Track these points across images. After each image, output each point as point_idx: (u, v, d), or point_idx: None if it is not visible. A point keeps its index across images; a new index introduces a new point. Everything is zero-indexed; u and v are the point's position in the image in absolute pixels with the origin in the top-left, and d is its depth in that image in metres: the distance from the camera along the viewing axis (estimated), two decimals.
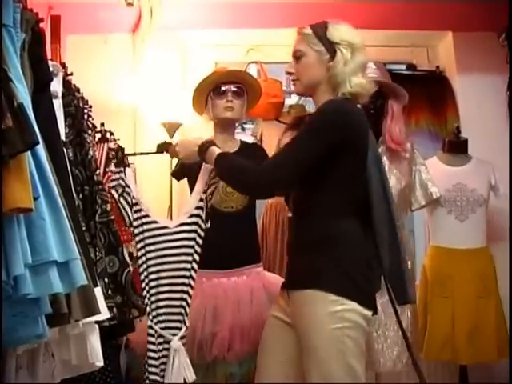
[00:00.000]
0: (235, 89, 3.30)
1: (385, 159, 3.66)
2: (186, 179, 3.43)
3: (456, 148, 4.15)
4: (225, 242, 3.20)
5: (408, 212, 3.88)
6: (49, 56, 2.48)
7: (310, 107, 6.09)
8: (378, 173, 2.51)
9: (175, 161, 3.58)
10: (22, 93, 1.81)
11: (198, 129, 3.87)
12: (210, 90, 3.31)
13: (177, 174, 3.48)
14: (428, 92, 4.71)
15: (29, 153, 1.75)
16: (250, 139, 4.56)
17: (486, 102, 4.49)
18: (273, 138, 4.27)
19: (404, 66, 4.91)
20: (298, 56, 2.50)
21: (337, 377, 2.29)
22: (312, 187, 2.41)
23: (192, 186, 3.36)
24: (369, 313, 2.40)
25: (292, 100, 5.90)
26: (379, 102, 3.67)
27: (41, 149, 1.85)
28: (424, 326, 3.88)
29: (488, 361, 3.86)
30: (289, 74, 2.56)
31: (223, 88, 3.28)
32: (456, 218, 3.97)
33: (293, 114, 4.43)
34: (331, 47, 2.43)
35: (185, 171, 3.37)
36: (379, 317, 3.51)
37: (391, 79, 3.84)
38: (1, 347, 1.80)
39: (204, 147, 2.62)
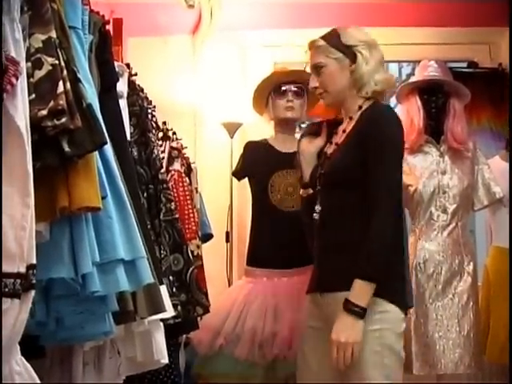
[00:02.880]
0: (295, 89, 3.30)
1: (447, 158, 3.63)
2: (246, 179, 3.44)
3: None
4: (285, 242, 3.21)
5: (470, 212, 3.83)
6: None
7: None
8: None
9: (236, 160, 3.61)
10: (90, 93, 1.84)
11: (258, 129, 3.88)
12: (271, 90, 3.32)
13: (238, 174, 3.50)
14: (490, 90, 4.62)
15: (96, 152, 1.77)
16: None
17: None
18: None
19: (465, 64, 4.84)
20: (318, 69, 2.50)
21: (372, 378, 2.29)
22: (350, 187, 2.42)
23: (253, 186, 3.39)
24: (403, 316, 2.40)
25: None
26: (441, 100, 3.64)
27: (108, 149, 1.89)
28: (487, 327, 3.81)
29: None
30: (314, 88, 2.54)
31: (284, 88, 3.29)
32: None
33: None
34: (349, 51, 2.46)
35: (246, 171, 3.39)
36: (440, 318, 3.48)
37: (452, 77, 3.79)
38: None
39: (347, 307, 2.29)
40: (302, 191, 2.68)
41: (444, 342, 3.46)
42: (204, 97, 4.43)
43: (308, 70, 2.64)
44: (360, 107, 2.48)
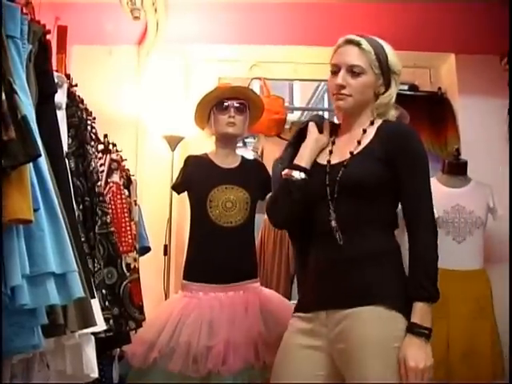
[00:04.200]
0: (238, 105, 3.31)
1: None
2: (186, 192, 3.44)
3: (455, 170, 4.17)
4: (223, 257, 3.21)
5: (405, 232, 3.88)
6: (54, 65, 2.51)
7: None
8: None
9: (176, 173, 3.60)
10: (27, 104, 1.83)
11: (199, 143, 3.89)
12: (213, 105, 3.33)
13: (177, 187, 3.49)
14: (429, 113, 4.73)
15: (31, 164, 1.76)
16: (250, 154, 4.59)
17: (486, 124, 4.51)
18: (274, 154, 4.27)
19: (406, 87, 4.93)
20: (356, 71, 2.36)
21: None
22: (373, 198, 2.33)
23: (192, 200, 3.39)
24: None
25: (294, 116, 5.92)
26: None
27: (43, 161, 1.87)
28: None
29: (482, 382, 3.85)
30: (339, 86, 2.37)
31: (226, 103, 3.30)
32: (453, 240, 3.98)
33: (294, 131, 4.45)
34: (387, 74, 2.40)
35: (186, 185, 3.39)
36: None
37: None
38: (1, 355, 1.80)
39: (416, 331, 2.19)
40: (288, 172, 2.46)
41: None
42: (146, 109, 4.42)
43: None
44: (372, 122, 2.42)
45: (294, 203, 2.43)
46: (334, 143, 2.50)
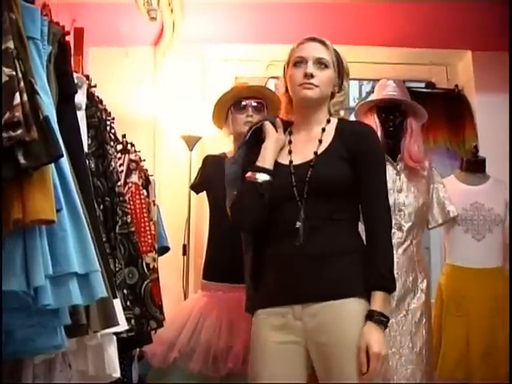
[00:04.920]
0: (255, 104, 3.31)
1: (403, 177, 3.66)
2: (204, 192, 3.44)
3: (473, 167, 4.14)
4: (241, 256, 3.20)
5: (424, 229, 3.87)
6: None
7: None
8: None
9: (194, 173, 3.60)
10: (48, 105, 1.83)
11: (217, 142, 3.89)
12: (231, 105, 3.33)
13: (196, 187, 3.49)
14: (446, 110, 4.72)
15: (52, 165, 1.76)
16: None
17: (503, 121, 4.47)
18: None
19: (423, 84, 4.93)
20: (323, 63, 2.43)
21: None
22: (340, 197, 2.40)
23: (211, 199, 3.39)
24: None
25: None
26: (398, 119, 3.67)
27: (64, 161, 1.87)
28: (439, 344, 3.86)
29: (502, 381, 3.82)
30: (310, 75, 2.40)
31: (244, 103, 3.30)
32: (473, 237, 3.96)
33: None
34: (341, 76, 2.50)
35: (204, 184, 3.39)
36: (394, 335, 3.50)
37: (410, 97, 3.84)
38: (0, 356, 1.80)
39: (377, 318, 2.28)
40: (251, 174, 2.44)
41: (397, 359, 3.48)
42: (164, 109, 4.43)
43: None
44: (329, 120, 2.49)
45: (264, 205, 2.43)
46: (290, 142, 2.52)
